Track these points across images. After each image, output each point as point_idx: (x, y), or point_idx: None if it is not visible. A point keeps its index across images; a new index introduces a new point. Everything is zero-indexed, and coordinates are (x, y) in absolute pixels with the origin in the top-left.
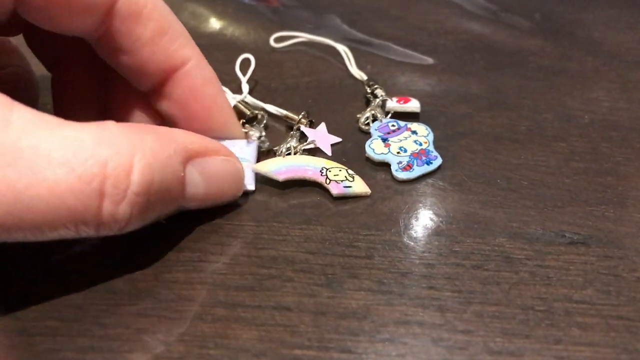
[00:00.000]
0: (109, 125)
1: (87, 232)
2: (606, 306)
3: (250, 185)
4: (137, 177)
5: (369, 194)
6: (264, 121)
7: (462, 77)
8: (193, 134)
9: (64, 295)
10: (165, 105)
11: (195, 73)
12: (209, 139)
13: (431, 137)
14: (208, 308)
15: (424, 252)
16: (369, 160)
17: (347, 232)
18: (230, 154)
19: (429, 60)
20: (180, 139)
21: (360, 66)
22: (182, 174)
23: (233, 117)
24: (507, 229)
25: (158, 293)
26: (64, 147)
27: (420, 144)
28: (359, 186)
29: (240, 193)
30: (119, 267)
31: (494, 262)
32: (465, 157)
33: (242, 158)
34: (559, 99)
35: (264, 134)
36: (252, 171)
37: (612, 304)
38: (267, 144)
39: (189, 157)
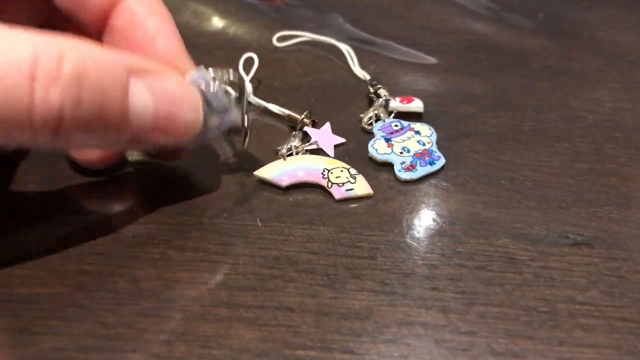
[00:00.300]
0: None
1: (21, 125)
2: (610, 308)
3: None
4: (69, 67)
5: (371, 195)
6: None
7: (466, 77)
8: (142, 57)
9: (66, 294)
10: (107, 38)
11: (137, 4)
12: (159, 64)
13: (434, 137)
14: (210, 308)
15: (427, 252)
16: (371, 160)
17: (349, 232)
18: (183, 81)
19: (432, 60)
20: (126, 55)
21: (363, 66)
22: (126, 82)
23: (182, 51)
24: (511, 229)
25: (160, 293)
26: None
27: (424, 144)
28: (361, 188)
29: (198, 125)
30: (121, 267)
31: (498, 263)
32: (469, 158)
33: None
34: (563, 99)
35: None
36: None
37: (616, 305)
38: (231, 95)
39: (135, 72)
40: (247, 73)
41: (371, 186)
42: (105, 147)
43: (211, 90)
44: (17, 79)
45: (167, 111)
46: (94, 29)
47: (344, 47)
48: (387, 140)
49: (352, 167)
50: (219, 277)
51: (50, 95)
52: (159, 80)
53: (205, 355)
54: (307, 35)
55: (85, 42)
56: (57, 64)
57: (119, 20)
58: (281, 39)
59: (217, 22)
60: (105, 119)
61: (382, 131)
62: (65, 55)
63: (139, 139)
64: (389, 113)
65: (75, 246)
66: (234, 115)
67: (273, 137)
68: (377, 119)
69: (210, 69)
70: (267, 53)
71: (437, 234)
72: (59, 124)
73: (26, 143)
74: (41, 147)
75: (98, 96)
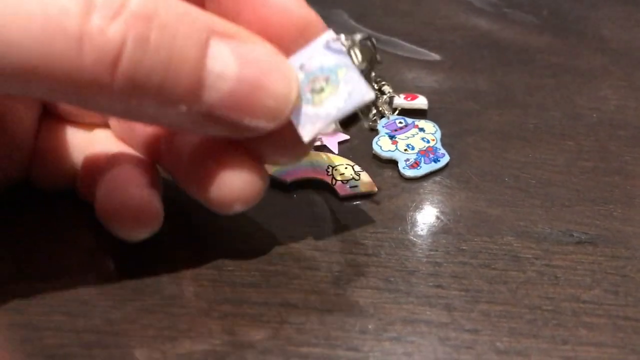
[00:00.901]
0: None
1: (67, 62)
2: (614, 306)
3: (366, 91)
4: (136, 2)
5: (375, 192)
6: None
7: (470, 74)
8: (233, 24)
9: (70, 290)
10: (216, 5)
11: None
12: (255, 34)
13: (439, 134)
14: (214, 304)
15: (431, 250)
16: (375, 157)
17: (353, 229)
18: (278, 52)
19: (437, 57)
20: (210, 15)
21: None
22: (205, 40)
23: (303, 5)
24: (515, 227)
25: (164, 289)
26: None
27: (428, 142)
28: (365, 185)
29: (289, 102)
30: (125, 263)
31: (502, 261)
32: (473, 155)
33: (334, 65)
34: (567, 97)
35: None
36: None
37: (620, 304)
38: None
39: (218, 33)
40: None
41: (375, 183)
42: (171, 125)
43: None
44: (70, 4)
45: (253, 79)
46: None
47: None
48: (392, 137)
49: (356, 164)
50: (223, 274)
51: (111, 28)
52: (246, 45)
53: (209, 351)
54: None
55: None
56: None
57: None
58: None
59: None
60: (175, 75)
61: (386, 128)
62: None
63: (212, 116)
64: (393, 110)
65: (81, 242)
66: (365, 91)
67: None
68: (382, 116)
69: (342, 35)
70: None
71: (441, 232)
72: (116, 66)
73: (71, 96)
74: (91, 102)
75: (169, 45)
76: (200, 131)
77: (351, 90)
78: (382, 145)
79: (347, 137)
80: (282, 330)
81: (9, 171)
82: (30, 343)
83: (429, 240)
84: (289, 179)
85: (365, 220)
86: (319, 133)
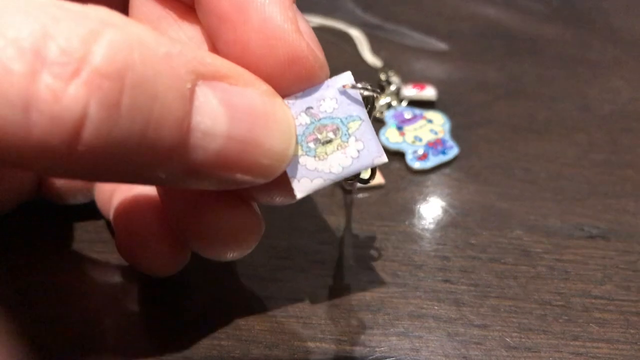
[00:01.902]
0: (95, 6)
1: (14, 131)
2: (625, 302)
3: (377, 153)
4: (103, 50)
5: (383, 184)
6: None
7: (480, 65)
8: (224, 59)
9: (75, 280)
10: (202, 17)
11: None
12: (247, 71)
13: (447, 126)
14: (220, 299)
15: (439, 244)
16: (383, 149)
17: (360, 222)
18: (274, 94)
19: (446, 47)
20: (198, 53)
21: (374, 52)
22: (189, 88)
23: (295, 30)
24: (525, 221)
25: (169, 282)
26: (1, 6)
27: (436, 133)
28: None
29: (286, 159)
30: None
31: (511, 255)
32: (482, 147)
33: (347, 116)
34: (578, 88)
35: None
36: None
37: (632, 300)
38: (380, 102)
39: (205, 76)
40: None
41: (383, 176)
42: (145, 183)
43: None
44: (12, 63)
45: (244, 135)
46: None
47: (355, 33)
48: (399, 128)
49: None
50: (229, 267)
51: (67, 91)
52: (237, 90)
53: (214, 346)
54: (317, 21)
55: (135, 22)
56: (83, 46)
57: None
58: None
59: None
60: (152, 139)
61: (393, 119)
62: (100, 34)
63: (199, 174)
64: (401, 100)
65: (83, 240)
66: (377, 153)
67: None
68: (389, 106)
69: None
70: None
71: (450, 225)
72: (77, 138)
73: (26, 166)
74: (50, 172)
75: (146, 106)
76: (184, 187)
77: (362, 149)
78: (389, 136)
79: None
80: (288, 325)
81: (23, 187)
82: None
83: (437, 234)
84: None
85: (372, 213)
86: (316, 190)
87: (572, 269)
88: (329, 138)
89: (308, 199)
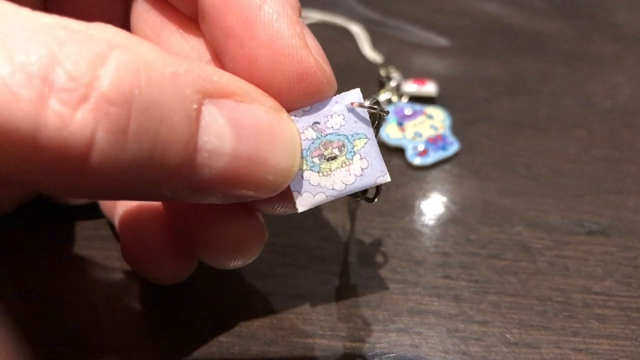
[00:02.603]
0: (101, 24)
1: (22, 159)
2: (626, 298)
3: (381, 173)
4: (110, 74)
5: None
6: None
7: (480, 60)
8: (230, 74)
9: (75, 278)
10: (207, 30)
11: None
12: (253, 86)
13: (448, 121)
14: (219, 295)
15: (439, 240)
16: (383, 145)
17: (360, 219)
18: (281, 109)
19: (446, 42)
20: (205, 70)
21: (374, 48)
22: (195, 108)
23: (304, 46)
24: (525, 217)
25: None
26: (7, 28)
27: (437, 129)
28: None
29: (291, 175)
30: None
31: (512, 251)
32: (483, 143)
33: (353, 134)
34: (579, 84)
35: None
36: (377, 151)
37: (632, 295)
38: (380, 98)
39: (211, 94)
40: None
41: None
42: (151, 200)
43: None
44: (20, 90)
45: (251, 153)
46: (186, 9)
47: (356, 28)
48: (400, 124)
49: None
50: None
51: (75, 117)
52: (244, 108)
53: (213, 342)
54: (317, 17)
55: (141, 41)
56: (90, 71)
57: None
58: None
59: None
60: (159, 160)
61: (394, 115)
62: (106, 58)
63: (204, 191)
64: (401, 96)
65: (80, 231)
66: (380, 173)
67: None
68: (389, 102)
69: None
70: None
71: (450, 221)
72: (84, 163)
73: (35, 187)
74: (59, 192)
75: (153, 130)
76: (189, 202)
77: (366, 167)
78: (389, 132)
79: None
80: (288, 321)
81: (23, 188)
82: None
83: (437, 230)
84: None
85: (372, 209)
86: (318, 205)
87: (572, 265)
88: (334, 154)
89: None
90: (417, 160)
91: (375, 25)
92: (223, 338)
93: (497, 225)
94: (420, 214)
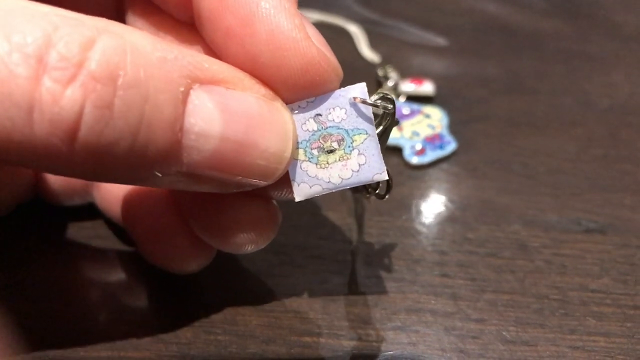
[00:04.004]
0: (95, 18)
1: (18, 131)
2: (622, 296)
3: (378, 170)
4: (97, 55)
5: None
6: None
7: (478, 60)
8: (223, 63)
9: (74, 276)
10: (206, 35)
11: None
12: (247, 75)
13: (445, 120)
14: (217, 293)
15: (436, 239)
16: (385, 166)
17: (358, 218)
18: (274, 97)
19: (444, 42)
20: (196, 57)
21: (372, 47)
22: (184, 93)
23: (299, 34)
24: (523, 216)
25: (167, 277)
26: (6, 13)
27: (434, 128)
28: None
29: (283, 161)
30: (130, 251)
31: (509, 250)
32: (481, 142)
33: (353, 129)
34: (578, 83)
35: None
36: (376, 147)
37: (629, 293)
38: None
39: (201, 80)
40: None
41: None
42: (146, 185)
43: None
44: (17, 61)
45: (240, 137)
46: (182, 15)
47: (353, 28)
48: (397, 123)
49: None
50: (226, 263)
51: (67, 93)
52: (234, 94)
53: (211, 340)
54: (314, 17)
55: (133, 30)
56: (80, 52)
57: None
58: None
59: None
60: (145, 139)
61: None
62: (95, 41)
63: (196, 176)
64: (399, 96)
65: (81, 232)
66: (378, 170)
67: None
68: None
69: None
70: None
71: (448, 220)
72: (74, 136)
73: (27, 164)
74: (51, 169)
75: (137, 107)
76: (184, 189)
77: (363, 163)
78: None
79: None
80: (286, 320)
81: (20, 188)
82: (34, 332)
83: (435, 228)
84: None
85: (370, 208)
86: (314, 196)
87: (569, 263)
88: (332, 148)
89: None
90: (415, 160)
91: (372, 25)
92: (221, 337)
93: (494, 223)
94: (418, 212)
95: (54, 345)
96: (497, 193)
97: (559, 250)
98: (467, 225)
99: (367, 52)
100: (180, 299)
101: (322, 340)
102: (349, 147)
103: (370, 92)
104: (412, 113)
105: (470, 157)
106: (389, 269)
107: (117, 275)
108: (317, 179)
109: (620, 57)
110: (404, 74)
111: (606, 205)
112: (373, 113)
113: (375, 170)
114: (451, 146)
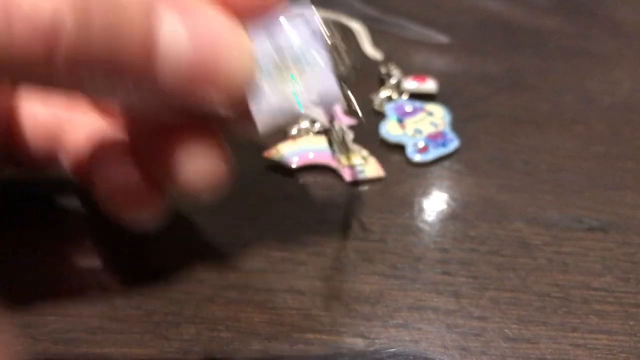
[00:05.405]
0: None
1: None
2: (625, 294)
3: (333, 93)
4: None
5: (382, 177)
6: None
7: (480, 57)
8: None
9: (74, 277)
10: None
11: None
12: None
13: (448, 118)
14: (219, 290)
15: (438, 236)
16: (383, 141)
17: (360, 215)
18: (232, 17)
19: (446, 39)
20: None
21: (374, 45)
22: (153, 7)
23: None
24: (524, 213)
25: (169, 275)
26: None
27: (437, 126)
28: (372, 170)
29: (246, 75)
30: (130, 249)
31: (511, 247)
32: (483, 140)
33: (307, 50)
34: (579, 80)
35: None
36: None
37: (631, 291)
38: (381, 95)
39: (162, 1)
40: None
41: (382, 168)
42: (127, 101)
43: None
44: None
45: (205, 50)
46: None
47: (356, 26)
48: (400, 121)
49: (364, 148)
50: (228, 260)
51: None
52: (195, 14)
53: (214, 337)
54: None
55: None
56: None
57: None
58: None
59: None
60: (122, 46)
61: (394, 112)
62: None
63: (170, 92)
64: (401, 93)
65: (84, 230)
66: (333, 92)
67: None
68: (389, 99)
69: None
70: None
71: (449, 218)
72: (55, 41)
73: (10, 75)
74: (32, 79)
75: (112, 10)
76: (155, 112)
77: (319, 88)
78: (389, 129)
79: (354, 121)
80: (288, 317)
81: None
82: (35, 328)
83: (437, 226)
84: (294, 164)
85: (372, 205)
86: (278, 127)
87: (571, 261)
88: (288, 71)
89: (308, 191)
90: (417, 157)
91: (374, 23)
92: (223, 334)
93: (496, 221)
94: (420, 210)
95: (57, 342)
96: (498, 191)
97: (560, 248)
98: (469, 223)
99: (370, 50)
100: (181, 296)
101: (324, 337)
102: (304, 70)
103: (373, 90)
104: (415, 111)
105: (472, 154)
106: (390, 267)
107: (116, 270)
108: (277, 106)
109: (621, 55)
110: (406, 71)
111: (608, 203)
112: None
113: (331, 94)
114: (454, 144)
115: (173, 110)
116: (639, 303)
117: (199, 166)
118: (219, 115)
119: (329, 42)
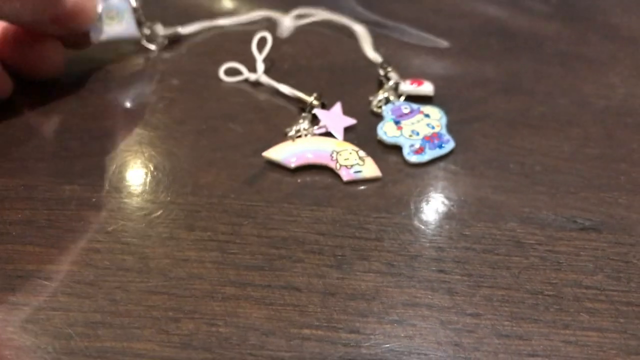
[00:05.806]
0: None
1: None
2: (616, 292)
3: (134, 32)
4: None
5: (379, 177)
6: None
7: (477, 61)
8: None
9: (76, 272)
10: None
11: None
12: None
13: (444, 120)
14: (218, 287)
15: (434, 235)
16: (380, 142)
17: (357, 214)
18: None
19: (444, 43)
20: None
21: (374, 48)
22: None
23: None
24: (519, 213)
25: (169, 271)
26: None
27: (433, 127)
28: (369, 170)
29: (97, 15)
30: (131, 245)
31: (505, 246)
32: (479, 142)
33: (121, 4)
34: (575, 84)
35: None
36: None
37: (622, 290)
38: (378, 97)
39: None
40: (260, 52)
41: (380, 169)
42: (25, 23)
43: None
44: None
45: (81, 4)
46: None
47: (360, 29)
48: (397, 122)
49: (361, 149)
50: (227, 257)
51: None
52: None
53: (212, 332)
54: (320, 16)
55: None
56: None
57: None
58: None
59: (228, 3)
60: None
61: (391, 114)
62: None
63: (59, 21)
64: (399, 96)
65: (85, 224)
66: (133, 29)
67: (282, 119)
68: (387, 101)
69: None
70: (277, 35)
71: (445, 217)
72: None
73: None
74: None
75: None
76: (43, 30)
77: (125, 26)
78: (387, 130)
79: (353, 121)
80: (285, 313)
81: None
82: (37, 323)
83: (433, 225)
84: (292, 164)
85: (368, 205)
86: (101, 40)
87: (564, 260)
88: (111, 16)
89: (306, 191)
90: (414, 158)
91: (374, 26)
92: (222, 329)
93: (491, 221)
94: (416, 210)
95: (58, 337)
96: (493, 191)
97: (554, 247)
98: (464, 223)
99: (371, 53)
100: (181, 292)
101: (320, 332)
102: (120, 17)
103: (372, 92)
104: (412, 112)
105: (468, 156)
106: (387, 265)
107: (121, 264)
108: (105, 32)
109: (616, 59)
110: (404, 74)
111: (601, 204)
112: None
113: (132, 30)
114: (450, 145)
115: (41, 24)
116: (630, 301)
117: (43, 52)
118: (75, 31)
119: (134, 6)
